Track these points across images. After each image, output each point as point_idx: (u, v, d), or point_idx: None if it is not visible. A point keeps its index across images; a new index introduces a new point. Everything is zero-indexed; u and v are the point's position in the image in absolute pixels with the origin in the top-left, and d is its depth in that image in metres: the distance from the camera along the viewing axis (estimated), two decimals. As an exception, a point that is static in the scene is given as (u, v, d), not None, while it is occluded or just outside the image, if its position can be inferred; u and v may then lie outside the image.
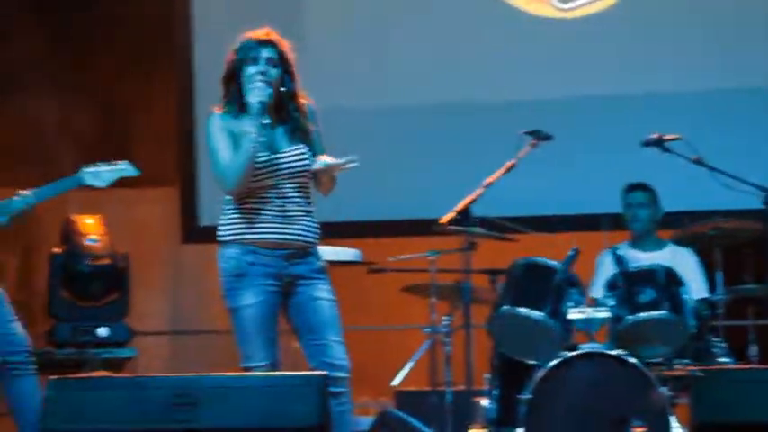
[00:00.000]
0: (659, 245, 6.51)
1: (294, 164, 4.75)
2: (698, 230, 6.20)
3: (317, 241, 4.82)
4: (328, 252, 6.32)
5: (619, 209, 6.62)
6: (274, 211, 4.70)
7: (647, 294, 5.64)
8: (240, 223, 4.72)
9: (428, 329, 6.62)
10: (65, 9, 8.47)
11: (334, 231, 7.96)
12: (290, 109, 4.79)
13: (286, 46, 4.80)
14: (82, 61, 8.47)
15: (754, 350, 6.16)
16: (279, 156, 4.74)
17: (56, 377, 3.87)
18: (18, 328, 5.22)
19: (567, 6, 8.01)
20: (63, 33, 8.44)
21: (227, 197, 4.77)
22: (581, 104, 7.90)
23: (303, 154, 4.77)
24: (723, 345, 5.95)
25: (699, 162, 6.00)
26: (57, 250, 6.99)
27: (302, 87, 4.86)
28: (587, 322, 5.63)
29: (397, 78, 8.11)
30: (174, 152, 8.46)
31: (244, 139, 4.64)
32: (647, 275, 5.71)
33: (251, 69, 4.72)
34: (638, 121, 7.38)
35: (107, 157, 5.49)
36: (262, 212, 4.70)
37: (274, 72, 4.74)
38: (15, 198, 5.14)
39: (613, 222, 6.47)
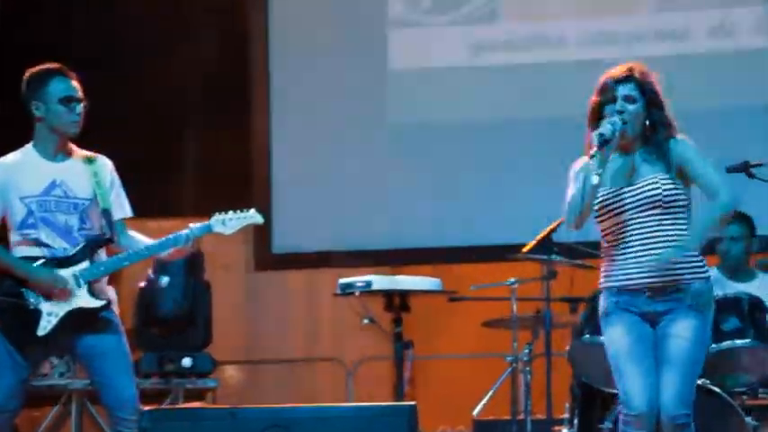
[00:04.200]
0: (750, 275, 6.26)
1: (639, 196, 4.62)
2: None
3: (681, 277, 4.59)
4: (408, 282, 6.34)
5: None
6: (627, 253, 4.60)
7: (731, 323, 5.59)
8: (606, 270, 4.66)
9: (509, 358, 6.60)
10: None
11: (411, 258, 8.04)
12: (658, 139, 4.66)
13: (650, 77, 4.68)
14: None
15: None
16: (627, 189, 4.64)
17: (151, 408, 3.90)
18: (129, 382, 4.90)
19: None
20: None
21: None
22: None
23: (652, 184, 4.62)
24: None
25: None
26: (141, 284, 7.08)
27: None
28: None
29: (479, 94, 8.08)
30: (248, 181, 8.51)
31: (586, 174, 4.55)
32: (732, 304, 5.64)
33: (608, 109, 4.65)
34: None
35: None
36: (616, 257, 4.62)
37: (632, 108, 4.63)
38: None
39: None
